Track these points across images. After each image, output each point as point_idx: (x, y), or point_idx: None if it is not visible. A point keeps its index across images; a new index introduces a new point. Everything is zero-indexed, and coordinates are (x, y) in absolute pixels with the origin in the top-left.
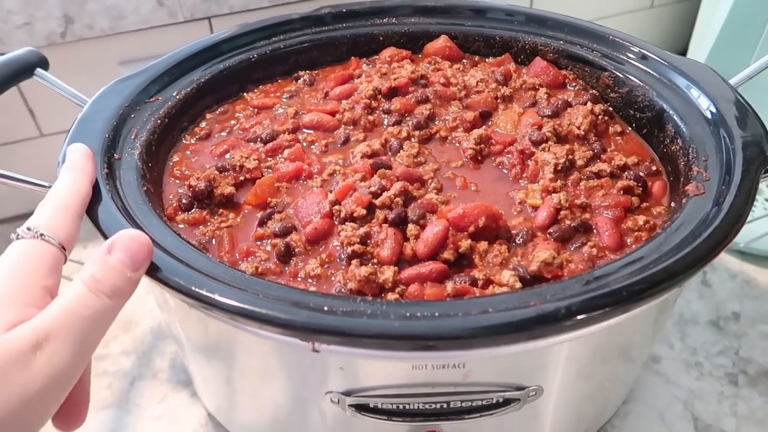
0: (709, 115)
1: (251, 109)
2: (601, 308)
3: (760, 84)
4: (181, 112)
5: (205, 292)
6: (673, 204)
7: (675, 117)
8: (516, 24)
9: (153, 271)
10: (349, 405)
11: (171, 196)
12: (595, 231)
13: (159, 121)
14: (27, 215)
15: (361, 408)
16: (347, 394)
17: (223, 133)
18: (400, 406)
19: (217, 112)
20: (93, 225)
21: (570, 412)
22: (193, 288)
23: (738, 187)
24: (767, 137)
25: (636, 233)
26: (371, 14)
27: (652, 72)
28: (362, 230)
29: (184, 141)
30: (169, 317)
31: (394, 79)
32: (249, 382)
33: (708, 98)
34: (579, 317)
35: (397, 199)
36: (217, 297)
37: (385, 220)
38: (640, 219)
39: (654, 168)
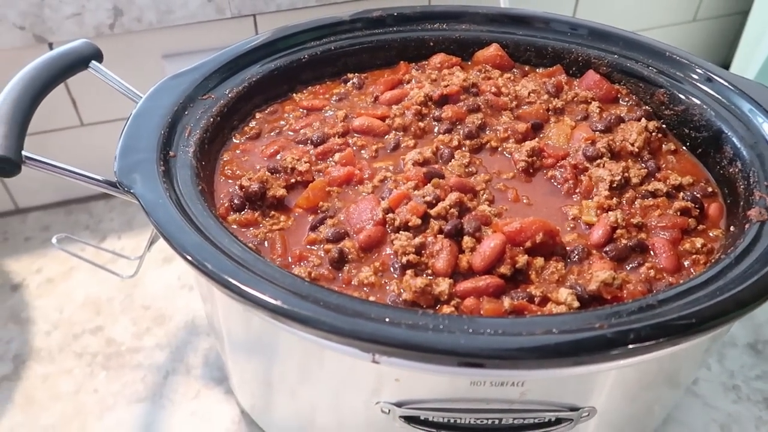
0: None
1: (300, 110)
2: (668, 335)
3: None
4: (232, 111)
5: (269, 299)
6: (732, 228)
7: (734, 139)
8: (569, 35)
9: (215, 274)
10: (400, 416)
11: (222, 196)
12: (651, 252)
13: (212, 119)
14: (62, 203)
15: (411, 420)
16: (399, 405)
17: (273, 134)
18: (452, 420)
19: (266, 111)
20: (153, 226)
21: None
22: (254, 293)
23: None
24: None
25: (693, 256)
26: (422, 19)
27: (710, 91)
28: (417, 240)
29: (234, 140)
30: (213, 310)
31: (445, 87)
32: (290, 383)
33: None
34: (647, 343)
35: (452, 210)
36: (281, 304)
37: (440, 231)
38: (698, 241)
39: (710, 189)
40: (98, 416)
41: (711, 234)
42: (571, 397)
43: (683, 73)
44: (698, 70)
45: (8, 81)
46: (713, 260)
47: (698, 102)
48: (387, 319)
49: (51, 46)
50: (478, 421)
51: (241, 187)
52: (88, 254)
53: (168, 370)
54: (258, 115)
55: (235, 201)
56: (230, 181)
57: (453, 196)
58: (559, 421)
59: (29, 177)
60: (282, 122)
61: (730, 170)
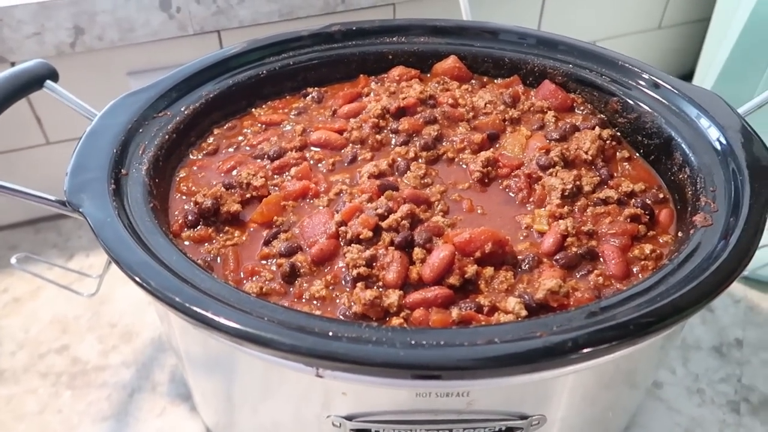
0: (718, 146)
1: (259, 125)
2: (608, 341)
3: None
4: (189, 127)
5: (209, 314)
6: (680, 234)
7: (683, 145)
8: (526, 46)
9: (158, 291)
10: (351, 430)
11: (177, 213)
12: (601, 259)
13: (167, 136)
14: (29, 222)
15: None
16: (349, 418)
17: (231, 149)
18: None
19: (225, 127)
20: (100, 244)
21: None
22: (197, 309)
23: (746, 220)
24: None
25: (642, 262)
26: (381, 33)
27: (661, 99)
28: (368, 252)
29: (191, 156)
30: (169, 330)
31: (403, 99)
32: (248, 400)
33: (717, 128)
34: (586, 350)
35: (403, 221)
36: (221, 320)
37: (392, 243)
38: (647, 248)
39: (661, 195)
40: None
41: (661, 240)
42: (518, 406)
43: (634, 82)
44: (644, 76)
45: None
46: (659, 267)
47: (649, 110)
48: (330, 333)
49: (13, 66)
50: None
51: (196, 203)
52: (52, 274)
53: (134, 387)
54: (216, 131)
55: (189, 217)
56: (186, 197)
57: (405, 208)
58: (510, 431)
59: None
60: (240, 138)
61: (680, 176)
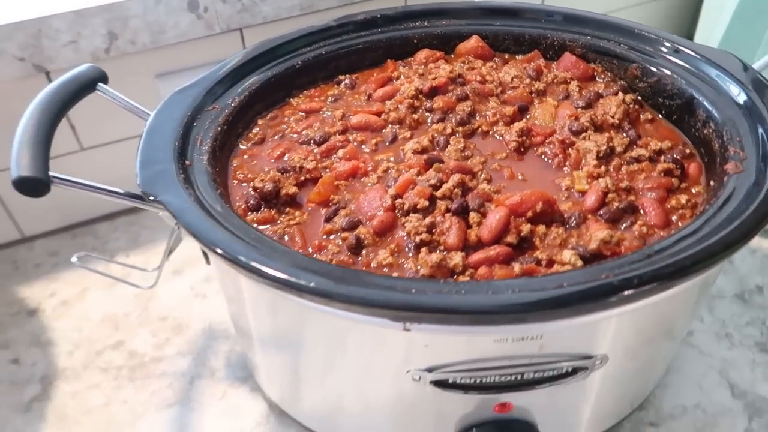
0: (740, 100)
1: (300, 113)
2: (668, 277)
3: None
4: (236, 119)
5: (304, 282)
6: (712, 183)
7: (705, 102)
8: (544, 22)
9: (248, 265)
10: (431, 381)
11: (237, 198)
12: (642, 211)
13: (219, 128)
14: (66, 228)
15: (440, 384)
16: (429, 370)
17: (276, 137)
18: (478, 380)
19: (267, 117)
20: (186, 231)
21: (622, 385)
22: (293, 279)
23: None
24: None
25: (680, 211)
26: (404, 18)
27: (679, 61)
28: (427, 220)
29: (241, 146)
30: (239, 309)
31: (433, 79)
32: (320, 368)
33: (737, 84)
34: (649, 286)
35: (456, 190)
36: (315, 286)
37: (447, 210)
38: (683, 198)
39: (687, 151)
40: (131, 423)
41: (693, 191)
42: (584, 347)
43: (652, 48)
44: (666, 44)
45: (10, 110)
46: (698, 213)
47: (669, 73)
48: (413, 290)
49: (48, 75)
50: (503, 378)
51: (255, 188)
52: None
53: (192, 375)
54: (260, 122)
55: (251, 202)
56: (243, 184)
57: (455, 178)
58: (575, 371)
59: (33, 205)
60: (283, 126)
61: (705, 132)
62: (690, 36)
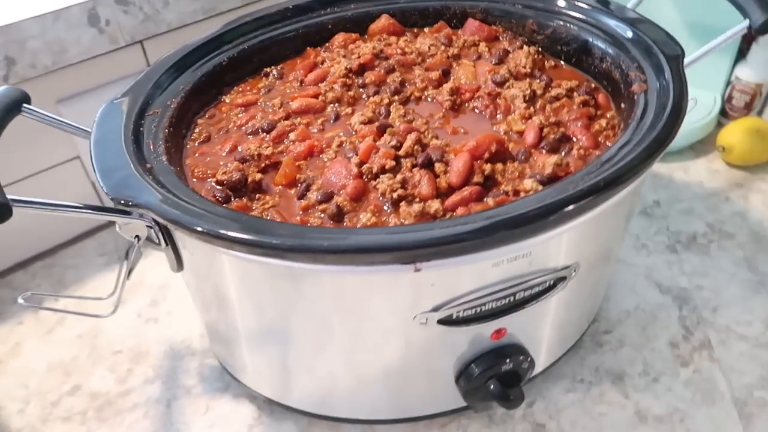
0: (627, 35)
1: (238, 108)
2: (625, 175)
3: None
4: (178, 121)
5: (317, 243)
6: (623, 105)
7: (598, 42)
8: None
9: (255, 242)
10: (437, 321)
11: (202, 194)
12: (574, 139)
13: (166, 131)
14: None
15: (445, 321)
16: (435, 309)
17: (221, 133)
18: (479, 309)
19: (206, 116)
20: (173, 224)
21: (583, 300)
22: (303, 243)
23: (671, 74)
24: (672, 39)
25: (604, 133)
26: (316, 6)
27: (568, 11)
28: (399, 177)
29: (188, 146)
30: (221, 308)
31: (358, 57)
32: (320, 339)
33: (620, 22)
34: (613, 187)
35: (416, 147)
36: (329, 244)
37: (414, 166)
38: (603, 122)
39: (593, 85)
40: None
41: (608, 116)
42: (563, 259)
43: (543, 3)
44: None
45: None
46: (621, 130)
47: (561, 23)
48: (416, 231)
49: None
50: (499, 303)
51: (219, 181)
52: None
53: (168, 398)
54: (200, 121)
55: (219, 195)
56: (208, 180)
57: (412, 136)
58: (556, 284)
59: None
60: (225, 122)
61: (603, 66)
62: None
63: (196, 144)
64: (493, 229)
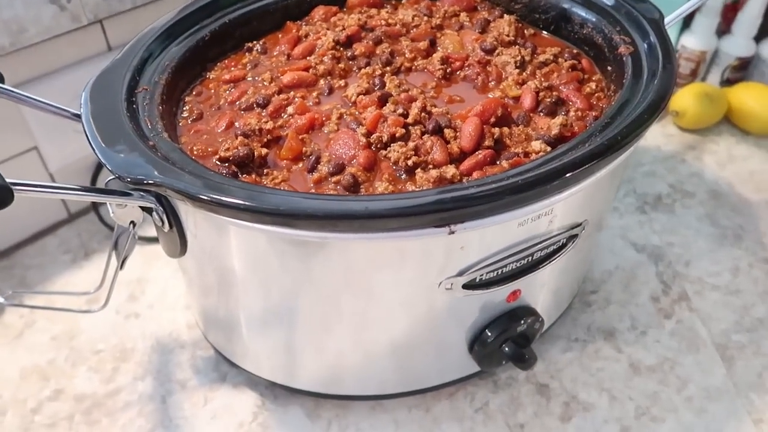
0: (607, 1)
1: (226, 85)
2: (629, 134)
3: None
4: (167, 98)
5: (354, 206)
6: (609, 68)
7: (576, 9)
8: None
9: (287, 211)
10: (462, 285)
11: None
12: (569, 102)
13: (159, 108)
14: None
15: (470, 285)
16: (461, 274)
17: (213, 109)
18: (500, 271)
19: (193, 94)
20: (195, 201)
21: (581, 261)
22: (333, 206)
23: (657, 35)
24: (650, 3)
25: (596, 95)
26: None
27: None
28: (411, 144)
29: (180, 125)
30: (226, 287)
31: (345, 29)
32: (335, 310)
33: None
34: (620, 145)
35: (423, 114)
36: (366, 208)
37: (423, 133)
38: (593, 84)
39: (575, 51)
40: None
41: (594, 79)
42: (576, 216)
43: None
44: None
45: None
46: (610, 93)
47: None
48: (446, 192)
49: None
50: (518, 264)
51: (222, 158)
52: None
53: (162, 394)
54: (188, 99)
55: (225, 173)
56: (206, 159)
57: (418, 103)
58: (567, 243)
59: None
60: (213, 99)
61: (584, 32)
62: None
63: (189, 122)
64: (527, 186)
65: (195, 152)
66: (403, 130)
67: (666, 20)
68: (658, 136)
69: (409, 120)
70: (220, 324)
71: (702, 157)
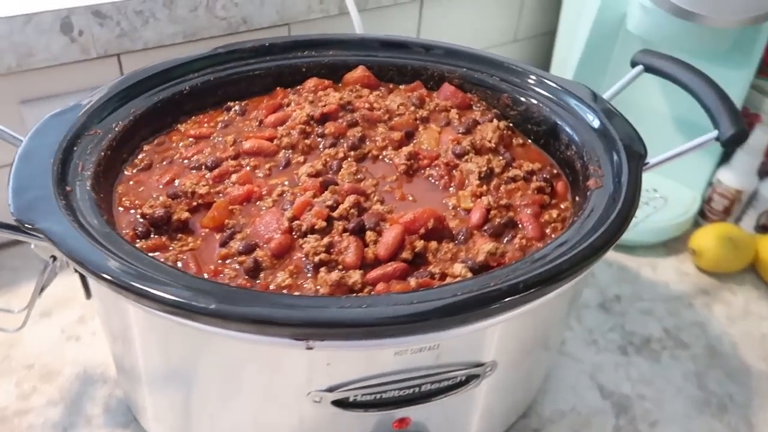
0: (594, 125)
1: (189, 139)
2: (549, 280)
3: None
4: (121, 144)
5: (202, 304)
6: (577, 198)
7: (566, 128)
8: (424, 54)
9: (146, 293)
10: (332, 402)
11: (124, 225)
12: (520, 225)
13: (102, 153)
14: None
15: (340, 403)
16: (330, 390)
17: (164, 163)
18: (378, 396)
19: (154, 143)
20: (70, 259)
21: (508, 393)
22: (196, 304)
23: (628, 177)
24: (638, 138)
25: (552, 224)
26: (293, 48)
27: (543, 92)
28: (326, 240)
29: (126, 172)
30: (125, 344)
31: (323, 106)
32: (216, 400)
33: (592, 112)
34: (535, 289)
35: (352, 210)
36: (216, 308)
37: (345, 230)
38: (554, 213)
39: (555, 171)
40: None
41: (562, 206)
42: (476, 355)
43: (520, 79)
44: (532, 76)
45: None
46: (568, 225)
47: (535, 102)
48: (315, 306)
49: None
50: (402, 393)
51: (144, 215)
52: None
53: (65, 425)
54: (146, 147)
55: (139, 229)
56: (131, 211)
57: (351, 198)
58: (468, 380)
59: None
60: (171, 152)
61: (568, 153)
62: (546, 70)
63: (135, 171)
64: (394, 319)
65: (123, 203)
66: (324, 223)
67: (655, 159)
68: (671, 271)
69: (335, 213)
70: (124, 372)
71: (712, 305)
